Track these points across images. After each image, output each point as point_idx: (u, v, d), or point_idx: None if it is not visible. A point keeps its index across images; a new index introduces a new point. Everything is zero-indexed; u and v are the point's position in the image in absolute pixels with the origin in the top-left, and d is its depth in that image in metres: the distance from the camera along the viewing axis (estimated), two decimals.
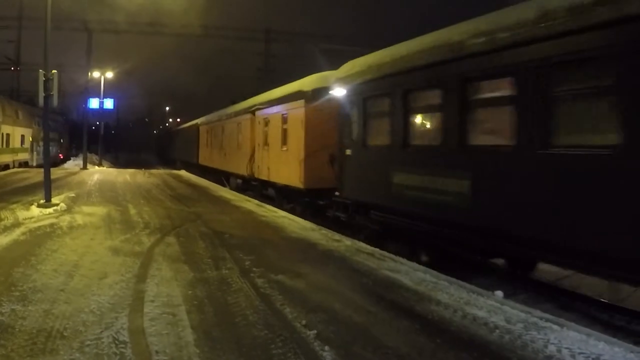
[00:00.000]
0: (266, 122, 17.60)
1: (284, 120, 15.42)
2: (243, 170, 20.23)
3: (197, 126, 34.61)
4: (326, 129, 12.55)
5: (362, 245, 8.90)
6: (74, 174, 26.50)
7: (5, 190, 16.06)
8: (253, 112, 19.30)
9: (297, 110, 14.25)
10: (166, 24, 39.93)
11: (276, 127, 16.22)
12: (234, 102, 27.19)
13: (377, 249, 8.53)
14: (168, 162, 52.19)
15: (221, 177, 25.03)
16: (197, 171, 31.09)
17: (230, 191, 19.50)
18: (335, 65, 13.35)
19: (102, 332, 4.37)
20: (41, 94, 11.95)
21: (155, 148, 79.75)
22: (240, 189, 20.81)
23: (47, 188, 12.33)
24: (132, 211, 12.21)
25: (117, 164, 52.97)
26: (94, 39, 35.29)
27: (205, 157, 30.84)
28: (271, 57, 42.38)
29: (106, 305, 5.10)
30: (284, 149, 15.24)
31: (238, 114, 22.24)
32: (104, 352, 3.97)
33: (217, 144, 27.02)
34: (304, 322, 4.81)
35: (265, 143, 17.43)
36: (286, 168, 14.96)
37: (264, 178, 17.37)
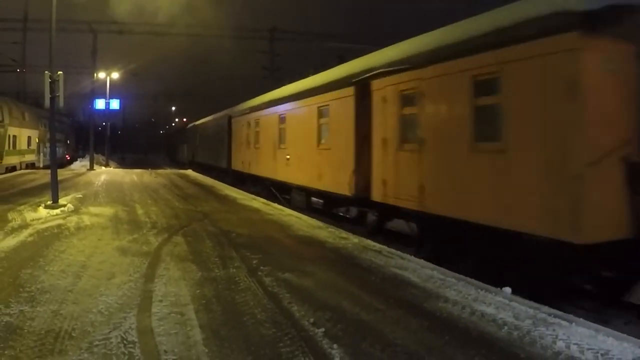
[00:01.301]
0: (406, 99, 9.33)
1: (480, 86, 7.54)
2: (336, 185, 11.82)
3: (227, 119, 25.37)
4: (626, 102, 6.26)
5: (370, 242, 8.88)
6: (81, 174, 26.60)
7: (12, 192, 16.14)
8: (364, 83, 10.69)
9: (549, 59, 6.37)
10: (171, 24, 39.92)
11: (447, 106, 8.27)
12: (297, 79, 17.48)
13: (384, 247, 8.51)
14: (181, 165, 44.62)
15: (273, 190, 17.46)
16: (229, 179, 23.33)
17: (237, 190, 19.08)
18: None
19: (110, 332, 4.38)
20: (47, 96, 12.00)
21: (165, 149, 76.92)
22: (320, 214, 13.26)
23: (54, 189, 12.39)
24: (140, 211, 12.24)
25: (124, 164, 53.17)
26: (99, 40, 35.35)
27: (244, 161, 21.76)
28: (276, 55, 42.32)
29: (114, 305, 5.11)
30: (494, 148, 7.26)
31: (319, 91, 13.27)
32: (113, 352, 3.98)
33: (266, 143, 18.04)
34: (312, 320, 4.81)
35: (404, 139, 9.40)
36: (497, 193, 7.14)
37: (404, 205, 9.21)
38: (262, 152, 18.80)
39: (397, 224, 10.73)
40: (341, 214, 13.30)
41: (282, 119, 16.33)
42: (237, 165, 23.00)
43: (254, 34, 41.25)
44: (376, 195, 10.22)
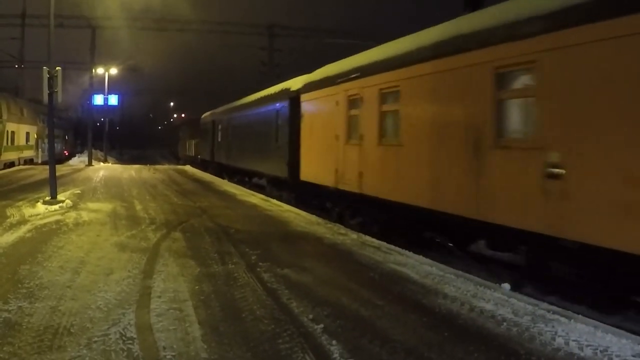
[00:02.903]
0: None
1: None
2: None
3: (287, 99, 15.55)
4: None
5: (368, 238, 8.88)
6: (79, 170, 26.55)
7: (11, 188, 16.10)
8: None
9: None
10: (169, 20, 39.83)
11: None
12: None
13: (383, 243, 8.51)
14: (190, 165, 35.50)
15: (453, 246, 9.04)
16: (289, 195, 15.56)
17: (235, 185, 19.07)
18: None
19: (109, 328, 4.37)
20: (45, 91, 11.95)
21: (168, 145, 71.58)
22: None
23: (52, 185, 12.35)
24: (138, 207, 12.23)
25: (122, 160, 53.09)
26: (98, 35, 35.33)
27: (338, 169, 11.62)
28: (275, 51, 42.28)
29: (113, 301, 5.10)
30: None
31: None
32: (112, 349, 3.97)
33: (430, 135, 8.37)
34: (310, 316, 4.81)
35: None
36: None
37: None
38: (410, 154, 9.00)
39: None
40: None
41: (509, 79, 6.83)
42: (314, 174, 13.38)
43: (253, 29, 41.24)
44: None
